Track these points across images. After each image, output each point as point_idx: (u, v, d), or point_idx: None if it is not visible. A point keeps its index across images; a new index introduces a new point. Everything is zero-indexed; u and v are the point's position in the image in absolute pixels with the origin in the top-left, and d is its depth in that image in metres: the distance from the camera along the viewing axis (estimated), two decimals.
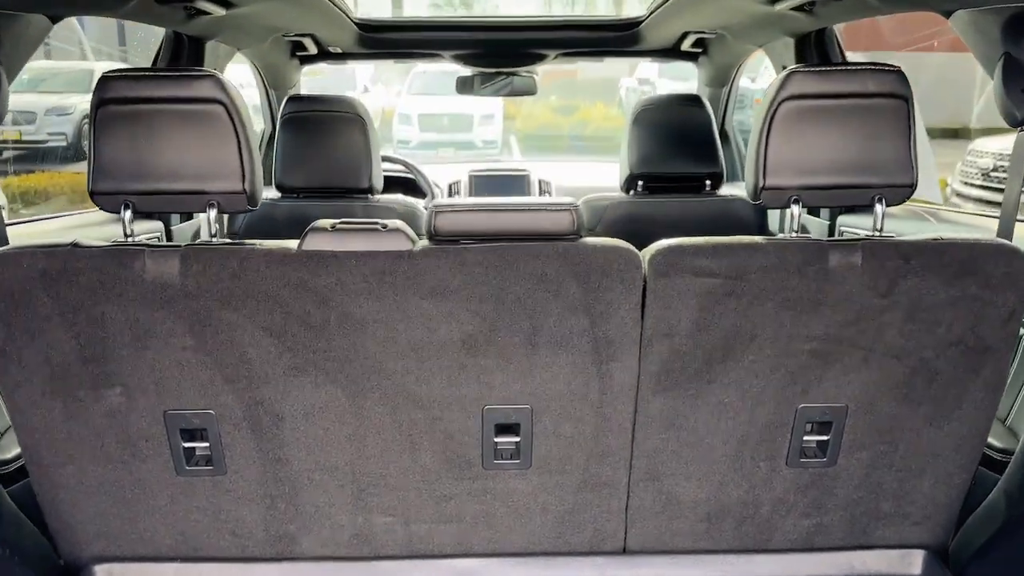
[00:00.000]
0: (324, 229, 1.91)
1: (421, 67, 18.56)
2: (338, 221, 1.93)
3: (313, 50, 4.02)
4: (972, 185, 8.67)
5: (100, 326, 1.89)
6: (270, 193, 3.31)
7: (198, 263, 1.86)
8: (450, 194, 4.67)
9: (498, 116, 18.38)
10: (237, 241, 1.92)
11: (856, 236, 1.96)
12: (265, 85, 4.20)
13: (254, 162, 1.89)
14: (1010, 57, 2.03)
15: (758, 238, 1.94)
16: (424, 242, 1.95)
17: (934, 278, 1.90)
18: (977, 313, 1.93)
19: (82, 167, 1.84)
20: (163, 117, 1.85)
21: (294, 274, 1.88)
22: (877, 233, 1.95)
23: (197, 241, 1.94)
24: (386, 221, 1.93)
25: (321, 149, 3.19)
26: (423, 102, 17.51)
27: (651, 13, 3.57)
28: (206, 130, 1.85)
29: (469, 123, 17.42)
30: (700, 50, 4.10)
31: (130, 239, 1.92)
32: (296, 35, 3.73)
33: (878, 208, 1.94)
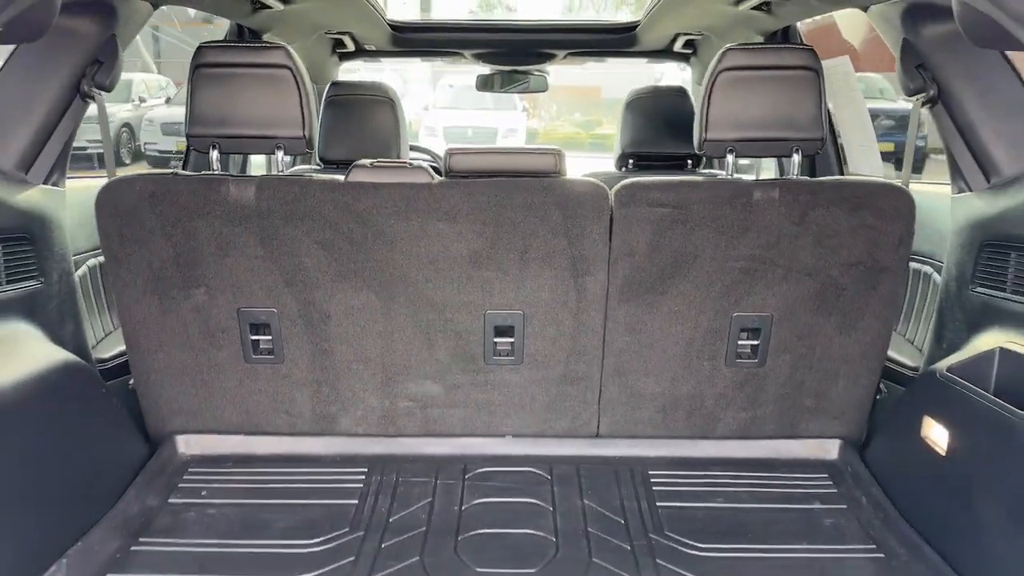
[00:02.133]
0: (365, 166, 2.48)
1: (448, 81, 19.22)
2: (375, 160, 2.49)
3: (351, 47, 4.61)
4: None
5: (192, 238, 2.46)
6: (313, 164, 3.89)
7: (269, 189, 2.43)
8: None
9: (521, 130, 19.01)
10: (297, 173, 2.49)
11: (775, 178, 2.49)
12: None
13: (312, 115, 2.46)
14: (907, 41, 2.56)
15: (698, 178, 2.48)
16: (441, 178, 2.51)
17: (837, 210, 2.44)
18: (873, 239, 2.46)
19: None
20: (244, 79, 2.42)
21: (341, 199, 2.44)
22: (794, 176, 2.49)
23: (267, 174, 2.51)
24: (412, 161, 2.49)
25: (358, 127, 3.77)
26: (449, 115, 18.11)
27: (645, 16, 4.13)
28: (276, 89, 2.42)
29: (493, 136, 18.02)
30: (690, 51, 4.65)
31: (216, 172, 2.49)
32: (337, 33, 4.32)
33: (795, 157, 2.48)
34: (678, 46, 4.54)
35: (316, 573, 2.10)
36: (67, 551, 2.10)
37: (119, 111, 19.19)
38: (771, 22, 3.54)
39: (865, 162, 3.60)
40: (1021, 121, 2.34)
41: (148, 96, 20.69)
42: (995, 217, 2.32)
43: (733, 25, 3.84)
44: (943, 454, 2.18)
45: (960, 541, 2.10)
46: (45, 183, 2.47)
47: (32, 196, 2.39)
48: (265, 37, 3.79)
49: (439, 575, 2.11)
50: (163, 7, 2.75)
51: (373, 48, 4.68)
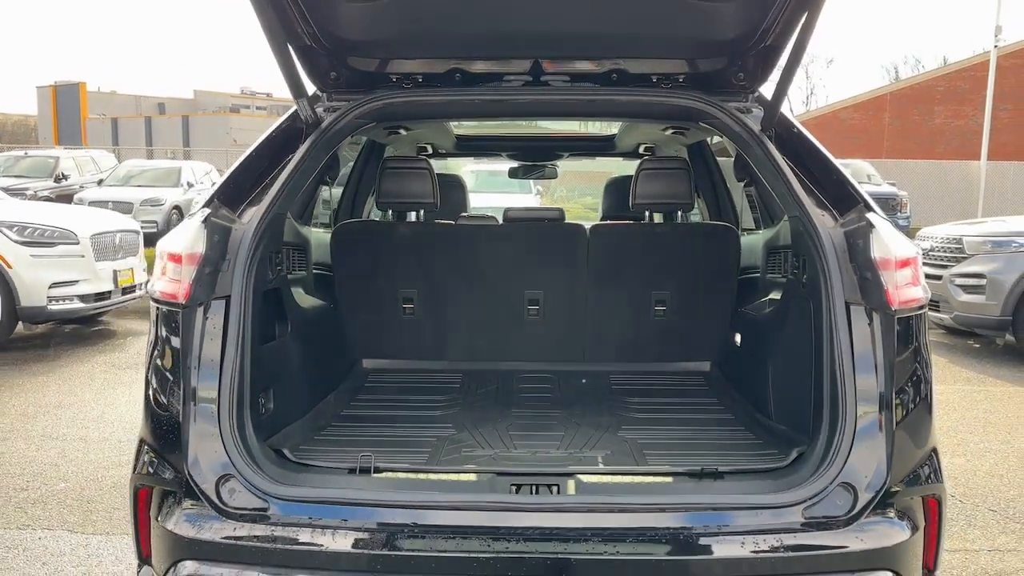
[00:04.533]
0: (465, 216, 4.97)
1: (475, 167, 22.04)
2: (470, 215, 4.98)
3: (429, 150, 7.16)
4: None
5: (378, 252, 4.92)
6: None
7: (418, 227, 4.92)
8: None
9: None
10: (432, 221, 4.98)
11: (669, 223, 4.96)
12: None
13: (438, 192, 4.94)
14: (738, 153, 5.02)
15: (632, 222, 4.95)
16: (501, 221, 5.00)
17: (699, 239, 4.89)
18: (718, 256, 4.89)
19: None
20: (406, 174, 4.92)
21: (452, 231, 4.93)
22: (678, 222, 4.96)
23: (416, 220, 5.01)
24: (490, 214, 4.98)
25: (444, 198, 6.30)
26: (474, 198, 20.51)
27: (617, 133, 6.69)
28: (422, 180, 4.91)
29: None
30: (650, 154, 7.18)
31: (390, 220, 4.98)
32: (425, 143, 6.88)
33: (678, 213, 4.95)
34: (641, 150, 7.07)
35: (443, 400, 4.49)
36: (318, 403, 4.47)
37: (170, 196, 22.27)
38: (686, 140, 6.07)
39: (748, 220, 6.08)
40: (780, 195, 4.78)
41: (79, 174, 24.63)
42: (772, 238, 4.76)
43: (669, 141, 6.37)
44: (738, 346, 4.59)
45: (748, 387, 4.47)
46: (307, 224, 4.96)
47: (303, 230, 4.87)
48: (388, 150, 6.34)
49: (505, 401, 4.48)
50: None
51: (443, 151, 7.24)
